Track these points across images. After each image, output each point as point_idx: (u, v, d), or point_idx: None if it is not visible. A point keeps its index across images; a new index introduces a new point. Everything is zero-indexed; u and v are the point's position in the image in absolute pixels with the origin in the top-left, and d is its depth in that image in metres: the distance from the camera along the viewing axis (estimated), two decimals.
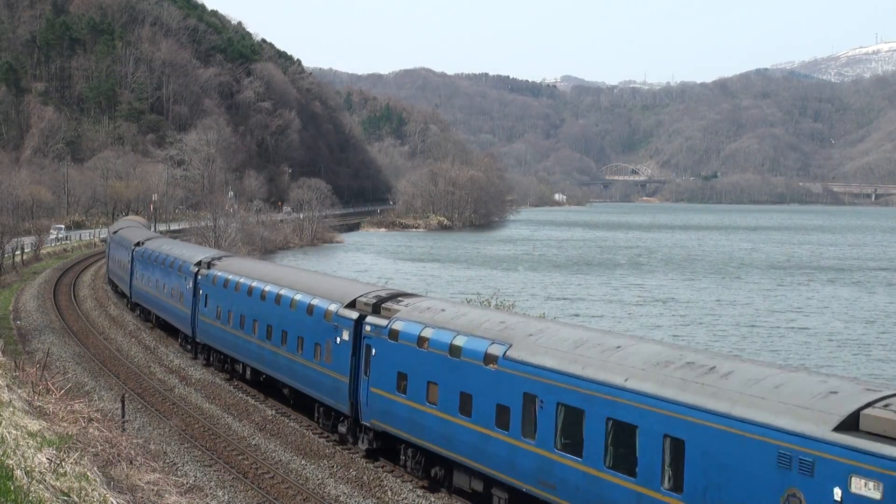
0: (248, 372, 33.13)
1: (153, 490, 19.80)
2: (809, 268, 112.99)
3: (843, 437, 13.03)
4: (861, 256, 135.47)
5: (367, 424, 25.03)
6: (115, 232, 61.49)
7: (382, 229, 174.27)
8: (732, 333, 61.20)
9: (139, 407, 30.88)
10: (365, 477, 24.31)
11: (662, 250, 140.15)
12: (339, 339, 25.93)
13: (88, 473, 17.75)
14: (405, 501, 22.60)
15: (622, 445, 16.74)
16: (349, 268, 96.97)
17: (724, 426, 14.59)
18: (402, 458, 23.96)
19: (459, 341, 21.25)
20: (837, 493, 12.94)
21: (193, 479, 23.38)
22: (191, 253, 41.63)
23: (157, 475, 21.18)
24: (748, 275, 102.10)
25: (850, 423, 13.20)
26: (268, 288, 30.81)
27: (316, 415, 28.42)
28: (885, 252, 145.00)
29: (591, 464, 17.21)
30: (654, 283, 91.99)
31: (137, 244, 49.65)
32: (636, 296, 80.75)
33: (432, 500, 22.73)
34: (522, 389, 19.14)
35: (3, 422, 19.74)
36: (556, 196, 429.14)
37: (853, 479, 12.77)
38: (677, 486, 15.46)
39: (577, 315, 65.65)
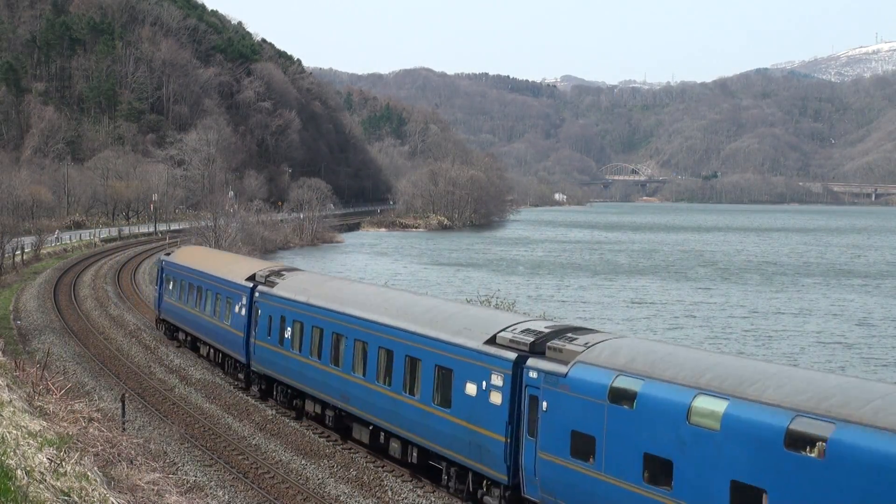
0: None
1: (153, 490, 19.79)
2: (815, 271, 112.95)
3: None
4: (868, 260, 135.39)
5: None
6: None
7: (383, 229, 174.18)
8: (744, 339, 61.17)
9: (139, 407, 30.86)
10: (365, 477, 24.31)
11: (665, 251, 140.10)
12: (483, 386, 20.53)
13: (89, 473, 17.74)
14: (405, 501, 22.59)
15: None
16: (350, 268, 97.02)
17: None
18: None
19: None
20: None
21: (194, 478, 23.37)
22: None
23: (158, 475, 21.17)
24: (750, 277, 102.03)
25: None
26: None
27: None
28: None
29: None
30: (659, 285, 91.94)
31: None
32: (636, 297, 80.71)
33: (433, 500, 22.74)
34: None
35: (4, 422, 19.73)
36: (557, 196, 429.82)
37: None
38: None
39: (595, 319, 65.60)
